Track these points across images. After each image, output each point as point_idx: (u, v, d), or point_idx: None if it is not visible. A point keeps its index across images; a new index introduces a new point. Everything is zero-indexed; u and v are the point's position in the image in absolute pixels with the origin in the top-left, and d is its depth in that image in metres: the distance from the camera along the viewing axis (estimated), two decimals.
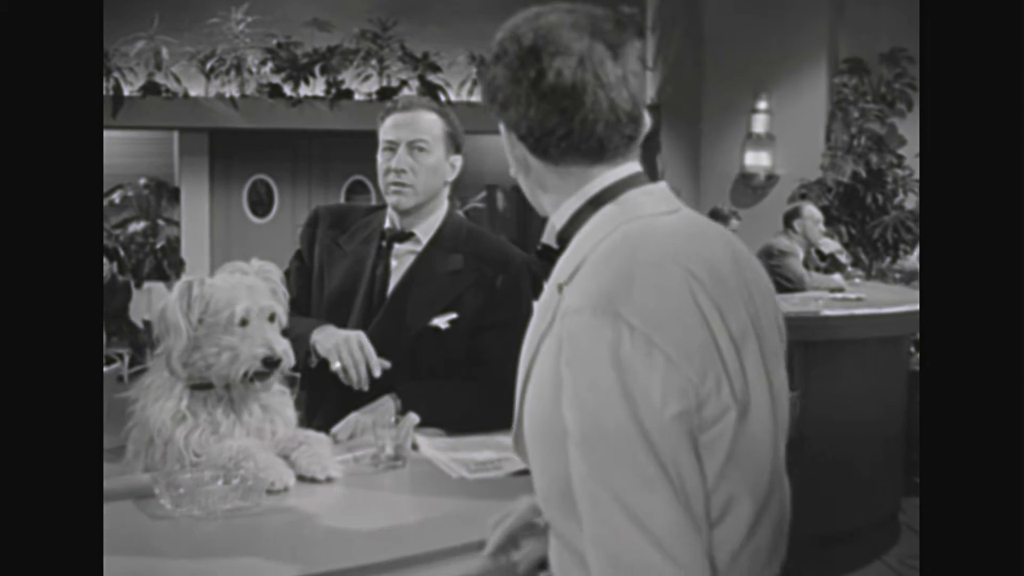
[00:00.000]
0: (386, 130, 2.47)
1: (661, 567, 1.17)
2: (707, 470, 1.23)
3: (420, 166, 2.45)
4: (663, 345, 1.20)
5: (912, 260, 6.99)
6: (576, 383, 1.21)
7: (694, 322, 1.23)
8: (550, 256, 1.29)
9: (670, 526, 1.17)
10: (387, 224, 2.52)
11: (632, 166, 1.39)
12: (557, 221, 1.40)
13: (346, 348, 2.31)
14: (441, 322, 2.42)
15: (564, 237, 1.38)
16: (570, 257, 1.35)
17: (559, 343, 1.25)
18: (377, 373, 2.32)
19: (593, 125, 1.33)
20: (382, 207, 2.57)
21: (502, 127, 1.40)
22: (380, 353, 2.39)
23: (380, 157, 2.48)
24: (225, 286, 2.02)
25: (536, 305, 1.37)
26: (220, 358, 1.98)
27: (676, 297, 1.24)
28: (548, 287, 1.34)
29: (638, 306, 1.21)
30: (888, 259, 7.70)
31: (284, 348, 2.01)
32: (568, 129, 1.33)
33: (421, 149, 2.45)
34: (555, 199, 1.40)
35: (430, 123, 2.47)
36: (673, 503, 1.18)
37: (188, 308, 1.99)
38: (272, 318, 2.04)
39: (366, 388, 2.32)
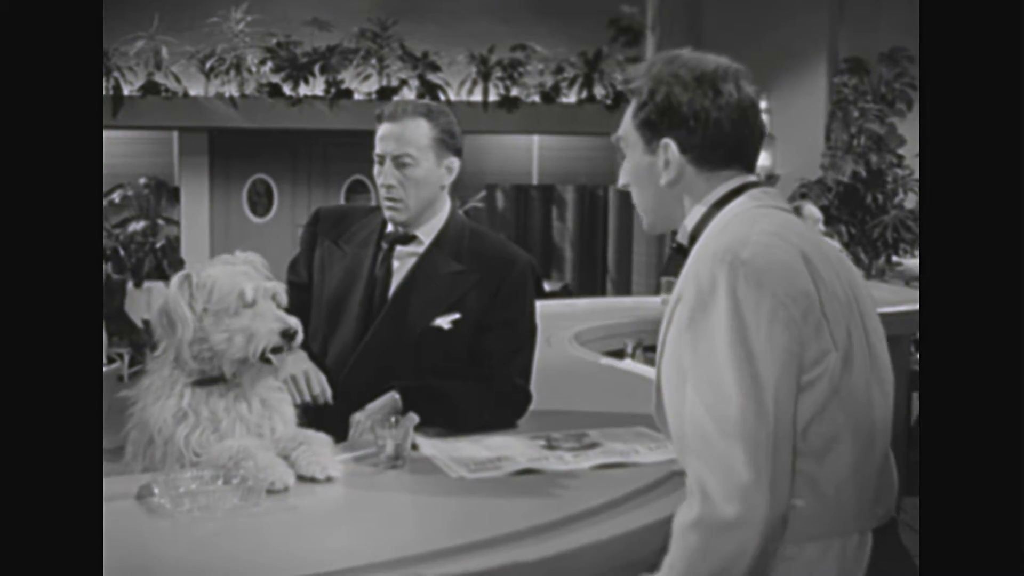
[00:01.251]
0: (376, 141, 2.45)
1: (716, 442, 1.41)
2: (809, 400, 1.46)
3: (408, 180, 2.41)
4: (771, 287, 1.44)
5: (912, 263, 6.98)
6: (696, 318, 1.47)
7: (799, 276, 1.47)
8: (684, 253, 1.58)
9: (739, 412, 1.40)
10: (389, 228, 2.51)
11: (752, 175, 1.65)
12: (690, 221, 1.63)
13: (294, 386, 2.32)
14: (444, 322, 2.42)
15: (695, 234, 1.61)
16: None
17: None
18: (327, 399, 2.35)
19: (750, 135, 1.62)
20: (381, 208, 2.56)
21: (653, 146, 1.61)
22: (382, 354, 2.40)
23: (375, 168, 2.47)
24: (224, 274, 2.03)
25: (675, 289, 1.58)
26: (233, 341, 1.99)
27: (784, 256, 1.48)
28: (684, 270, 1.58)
29: (751, 255, 1.46)
30: (883, 258, 7.69)
31: (295, 321, 2.04)
32: (739, 138, 1.60)
33: (406, 164, 2.40)
34: (694, 201, 1.63)
35: (417, 133, 2.41)
36: (750, 395, 1.41)
37: (191, 298, 2.00)
38: (274, 298, 2.05)
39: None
